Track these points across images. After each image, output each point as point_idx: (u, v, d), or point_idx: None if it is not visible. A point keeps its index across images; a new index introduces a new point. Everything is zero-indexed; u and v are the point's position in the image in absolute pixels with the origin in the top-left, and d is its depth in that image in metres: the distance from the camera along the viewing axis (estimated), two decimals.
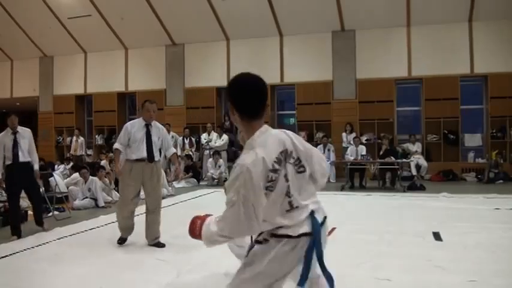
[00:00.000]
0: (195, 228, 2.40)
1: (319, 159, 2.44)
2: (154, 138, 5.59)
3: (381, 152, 12.07)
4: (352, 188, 11.55)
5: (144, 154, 5.51)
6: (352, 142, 12.63)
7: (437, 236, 5.86)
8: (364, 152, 11.98)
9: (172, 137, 12.66)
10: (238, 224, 2.16)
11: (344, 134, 13.66)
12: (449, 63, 13.41)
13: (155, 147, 5.62)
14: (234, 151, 14.13)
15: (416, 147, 13.06)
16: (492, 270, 4.34)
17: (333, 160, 12.97)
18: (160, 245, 5.51)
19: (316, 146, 13.64)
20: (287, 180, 2.22)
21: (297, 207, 2.24)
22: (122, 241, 5.67)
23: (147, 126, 5.61)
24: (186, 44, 15.86)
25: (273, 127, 2.39)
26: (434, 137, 13.68)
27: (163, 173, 8.98)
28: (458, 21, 13.41)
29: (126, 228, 5.68)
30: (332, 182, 12.60)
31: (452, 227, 6.32)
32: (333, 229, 6.12)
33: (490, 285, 3.97)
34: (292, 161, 2.26)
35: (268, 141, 2.22)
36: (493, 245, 5.35)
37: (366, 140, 13.84)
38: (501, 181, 12.06)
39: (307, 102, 14.44)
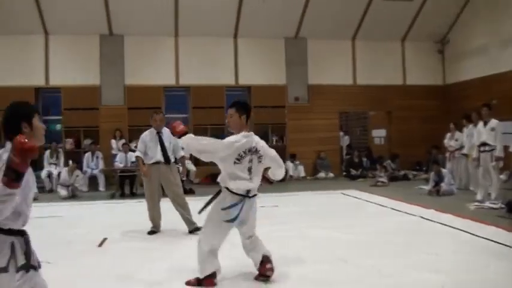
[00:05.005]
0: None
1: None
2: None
3: None
4: (122, 195, 11.30)
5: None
6: (121, 149, 12.39)
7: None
8: (134, 159, 11.84)
9: None
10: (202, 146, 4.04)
11: (113, 141, 13.32)
12: (215, 74, 14.19)
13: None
14: None
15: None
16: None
17: (102, 168, 12.54)
18: None
19: (83, 153, 13.04)
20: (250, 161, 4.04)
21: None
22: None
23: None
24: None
25: None
26: None
27: None
28: (225, 36, 14.36)
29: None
30: (102, 191, 12.20)
31: None
32: (105, 239, 6.01)
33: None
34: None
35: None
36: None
37: (135, 147, 13.65)
38: None
39: (74, 107, 13.64)
